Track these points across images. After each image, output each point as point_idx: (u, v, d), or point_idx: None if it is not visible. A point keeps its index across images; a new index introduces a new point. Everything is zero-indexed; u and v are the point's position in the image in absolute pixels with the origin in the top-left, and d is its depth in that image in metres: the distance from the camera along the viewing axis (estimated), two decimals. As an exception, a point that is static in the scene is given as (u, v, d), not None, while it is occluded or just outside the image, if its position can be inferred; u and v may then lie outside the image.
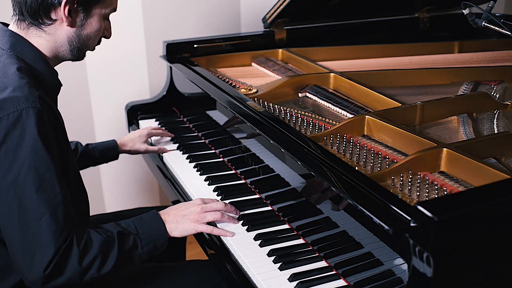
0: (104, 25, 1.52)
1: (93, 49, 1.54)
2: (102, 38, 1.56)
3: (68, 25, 1.43)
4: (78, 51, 1.49)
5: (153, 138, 2.14)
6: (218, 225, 1.52)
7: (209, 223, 1.51)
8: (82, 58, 1.54)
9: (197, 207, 1.51)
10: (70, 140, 1.93)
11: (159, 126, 2.20)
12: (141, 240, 1.42)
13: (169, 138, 2.13)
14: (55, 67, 1.52)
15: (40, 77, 1.42)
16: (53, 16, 1.41)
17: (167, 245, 1.47)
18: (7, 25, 1.49)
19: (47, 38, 1.44)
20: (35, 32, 1.44)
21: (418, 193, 1.29)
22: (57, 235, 1.29)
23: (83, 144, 1.99)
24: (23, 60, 1.41)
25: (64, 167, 1.40)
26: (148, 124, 2.28)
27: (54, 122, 1.37)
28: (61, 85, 1.53)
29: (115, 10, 1.53)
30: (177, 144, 2.07)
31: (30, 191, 1.29)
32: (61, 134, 1.41)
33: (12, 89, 1.31)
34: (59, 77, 1.53)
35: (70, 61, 1.55)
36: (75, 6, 1.41)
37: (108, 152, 2.01)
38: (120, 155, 2.07)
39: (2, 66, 1.37)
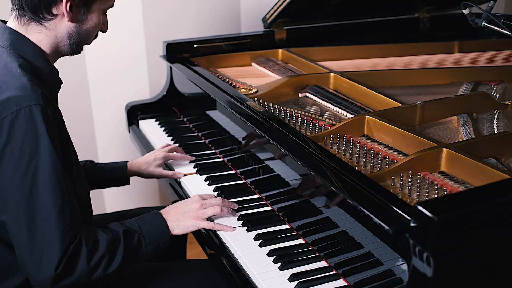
0: (102, 20, 1.52)
1: (90, 43, 1.55)
2: (100, 33, 1.56)
3: (69, 20, 1.43)
4: (76, 46, 1.50)
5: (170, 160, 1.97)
6: (217, 220, 1.54)
7: (208, 219, 1.52)
8: (80, 52, 1.54)
9: (196, 203, 1.52)
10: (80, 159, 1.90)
11: (176, 145, 2.00)
12: (144, 239, 1.43)
13: (187, 160, 1.94)
14: (55, 66, 1.53)
15: (40, 75, 1.42)
16: (54, 11, 1.41)
17: (169, 243, 1.48)
18: (5, 22, 1.48)
19: (47, 34, 1.44)
20: (35, 28, 1.43)
21: (418, 193, 1.29)
22: (65, 233, 1.30)
23: (85, 147, 1.95)
24: (23, 58, 1.41)
25: (67, 165, 1.40)
26: (149, 125, 2.28)
27: (58, 119, 1.37)
28: (61, 82, 1.53)
29: (112, 5, 1.53)
30: (196, 168, 1.87)
31: (38, 189, 1.28)
32: (64, 132, 1.41)
33: (14, 87, 1.30)
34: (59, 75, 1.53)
35: (69, 58, 1.55)
36: (76, 1, 1.41)
37: (114, 172, 1.88)
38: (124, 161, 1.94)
39: (3, 65, 1.37)
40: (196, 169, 1.87)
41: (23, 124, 1.28)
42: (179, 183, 1.86)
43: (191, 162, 1.92)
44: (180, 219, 1.49)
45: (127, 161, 1.92)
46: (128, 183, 1.94)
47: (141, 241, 1.42)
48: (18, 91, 1.30)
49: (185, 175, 1.85)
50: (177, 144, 2.05)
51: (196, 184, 1.78)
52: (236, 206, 1.58)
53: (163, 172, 1.88)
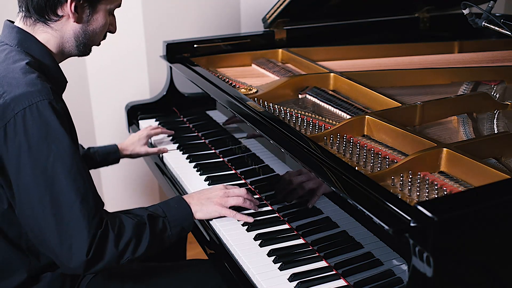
0: (109, 20, 1.54)
1: (98, 44, 1.56)
2: (107, 33, 1.57)
3: (74, 21, 1.45)
4: (84, 47, 1.52)
5: (154, 138, 2.14)
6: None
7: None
8: (88, 54, 1.56)
9: (220, 191, 1.55)
10: None
11: (158, 125, 2.19)
12: (169, 223, 1.46)
13: (169, 138, 2.13)
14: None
15: (48, 73, 1.44)
16: (59, 12, 1.43)
17: (171, 243, 1.48)
18: (12, 22, 1.50)
19: (53, 34, 1.46)
20: (41, 28, 1.45)
21: (418, 193, 1.29)
22: (91, 219, 1.32)
23: (85, 147, 1.99)
24: (31, 56, 1.43)
25: None
26: (149, 125, 2.28)
27: (67, 113, 1.40)
28: (67, 81, 1.55)
29: (119, 5, 1.55)
30: (177, 144, 2.06)
31: (60, 180, 1.31)
32: (72, 127, 1.43)
33: (25, 83, 1.32)
34: None
35: (74, 58, 1.57)
36: (81, 2, 1.42)
37: (109, 156, 2.03)
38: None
39: (12, 62, 1.38)
40: (177, 145, 2.04)
41: (36, 119, 1.30)
42: (179, 184, 1.86)
43: (175, 142, 2.07)
44: (204, 204, 1.52)
45: (117, 145, 2.04)
46: (118, 162, 2.08)
47: (166, 225, 1.45)
48: (28, 87, 1.32)
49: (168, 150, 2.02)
50: (177, 144, 2.06)
51: (196, 184, 1.78)
52: (258, 203, 1.60)
53: (149, 150, 2.06)
